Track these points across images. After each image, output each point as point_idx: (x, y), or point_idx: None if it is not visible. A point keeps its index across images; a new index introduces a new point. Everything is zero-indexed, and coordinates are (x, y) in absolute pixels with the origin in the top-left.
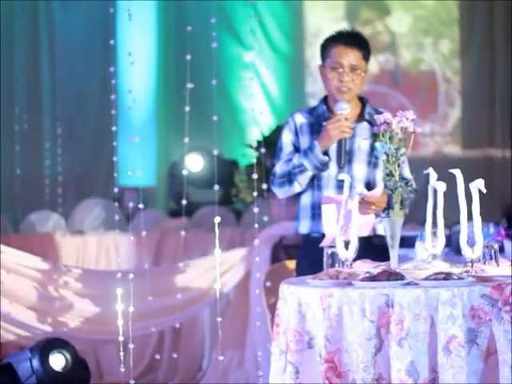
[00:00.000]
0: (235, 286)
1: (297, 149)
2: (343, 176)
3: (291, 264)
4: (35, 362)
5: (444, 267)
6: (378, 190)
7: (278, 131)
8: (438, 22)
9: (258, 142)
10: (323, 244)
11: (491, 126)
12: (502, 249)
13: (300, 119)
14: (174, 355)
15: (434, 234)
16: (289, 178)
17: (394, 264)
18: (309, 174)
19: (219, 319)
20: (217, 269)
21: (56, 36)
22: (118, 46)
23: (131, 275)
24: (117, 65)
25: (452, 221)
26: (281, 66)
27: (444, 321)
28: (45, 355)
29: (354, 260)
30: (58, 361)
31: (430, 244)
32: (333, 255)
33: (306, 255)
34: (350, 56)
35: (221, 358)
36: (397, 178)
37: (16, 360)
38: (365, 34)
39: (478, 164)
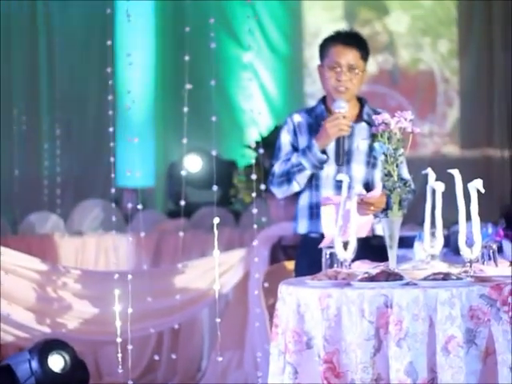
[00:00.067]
0: (234, 287)
1: (295, 149)
2: (341, 176)
3: (290, 265)
4: (34, 364)
5: (443, 267)
6: (377, 190)
7: (276, 132)
8: (436, 22)
9: (257, 143)
10: (323, 245)
11: (490, 126)
12: (500, 249)
13: (298, 119)
14: (173, 356)
15: (433, 234)
16: (287, 177)
17: (392, 264)
18: (307, 172)
19: (218, 320)
20: (216, 269)
21: (54, 37)
22: (116, 47)
23: (130, 276)
24: (115, 66)
25: (450, 221)
26: (279, 66)
27: (443, 321)
28: (44, 356)
29: (353, 260)
30: (56, 362)
31: (429, 244)
32: (331, 256)
33: (305, 256)
34: (348, 56)
35: (220, 358)
36: (395, 178)
37: (15, 361)
38: (363, 34)
39: (476, 164)
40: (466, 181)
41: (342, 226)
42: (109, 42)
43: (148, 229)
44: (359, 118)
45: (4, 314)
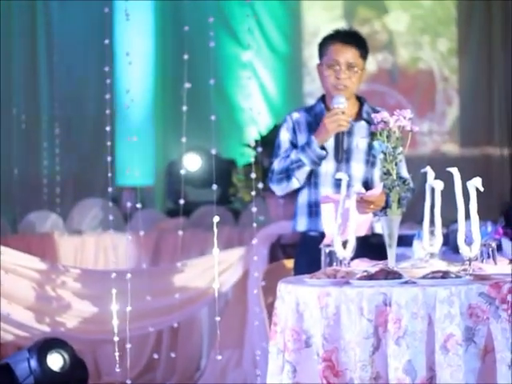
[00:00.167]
0: (233, 286)
1: (294, 146)
2: (341, 175)
3: (289, 263)
4: (33, 363)
5: (442, 266)
6: (378, 189)
7: (275, 130)
8: (435, 21)
9: (256, 142)
10: (323, 244)
11: (489, 124)
12: (499, 247)
13: (298, 118)
14: (172, 355)
15: (432, 232)
16: (287, 173)
17: (391, 263)
18: (306, 169)
19: (217, 319)
20: (215, 268)
21: (54, 36)
22: (115, 46)
23: (129, 275)
24: (115, 65)
25: (450, 219)
26: (279, 65)
27: (442, 319)
28: (43, 355)
29: (352, 259)
30: (55, 361)
31: (428, 243)
32: (331, 254)
33: (304, 254)
34: (346, 54)
35: (219, 357)
36: (394, 176)
37: (14, 360)
38: (363, 33)
39: (475, 162)
40: (465, 179)
41: (341, 224)
42: (106, 41)
43: (147, 228)
44: (358, 116)
45: (4, 313)
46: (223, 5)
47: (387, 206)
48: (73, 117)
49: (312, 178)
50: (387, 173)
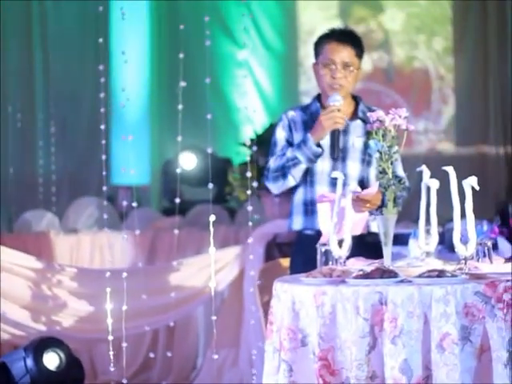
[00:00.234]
0: (229, 285)
1: (290, 145)
2: (336, 174)
3: (285, 262)
4: (29, 362)
5: (437, 265)
6: (373, 187)
7: (271, 129)
8: (431, 20)
9: (252, 141)
10: (320, 242)
11: (485, 123)
12: (495, 246)
13: (294, 116)
14: (168, 354)
15: (428, 231)
16: (282, 171)
17: (387, 262)
18: (302, 166)
19: (214, 318)
20: (211, 267)
21: (49, 35)
22: (111, 45)
23: (125, 274)
24: (110, 64)
25: (445, 218)
26: (274, 64)
27: (437, 318)
28: (39, 354)
29: (348, 258)
30: (51, 360)
31: (424, 241)
32: (326, 253)
33: (300, 253)
34: (342, 53)
35: (215, 356)
36: (390, 175)
37: (10, 359)
38: (358, 32)
39: (471, 161)
40: (460, 178)
41: (336, 223)
42: (100, 40)
43: (143, 226)
44: (354, 115)
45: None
46: (219, 4)
47: (383, 204)
48: (68, 115)
49: (308, 177)
50: (383, 172)
